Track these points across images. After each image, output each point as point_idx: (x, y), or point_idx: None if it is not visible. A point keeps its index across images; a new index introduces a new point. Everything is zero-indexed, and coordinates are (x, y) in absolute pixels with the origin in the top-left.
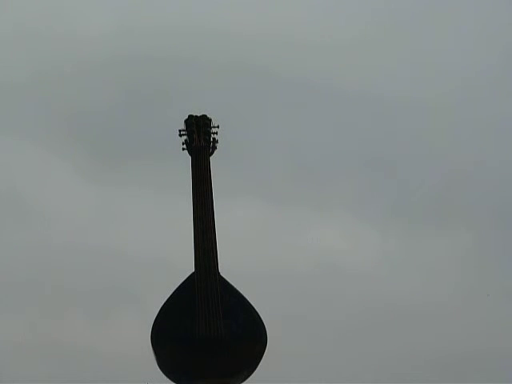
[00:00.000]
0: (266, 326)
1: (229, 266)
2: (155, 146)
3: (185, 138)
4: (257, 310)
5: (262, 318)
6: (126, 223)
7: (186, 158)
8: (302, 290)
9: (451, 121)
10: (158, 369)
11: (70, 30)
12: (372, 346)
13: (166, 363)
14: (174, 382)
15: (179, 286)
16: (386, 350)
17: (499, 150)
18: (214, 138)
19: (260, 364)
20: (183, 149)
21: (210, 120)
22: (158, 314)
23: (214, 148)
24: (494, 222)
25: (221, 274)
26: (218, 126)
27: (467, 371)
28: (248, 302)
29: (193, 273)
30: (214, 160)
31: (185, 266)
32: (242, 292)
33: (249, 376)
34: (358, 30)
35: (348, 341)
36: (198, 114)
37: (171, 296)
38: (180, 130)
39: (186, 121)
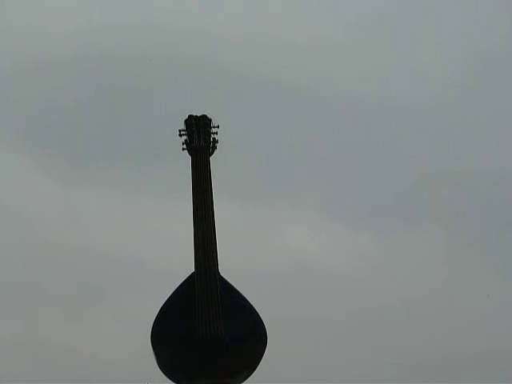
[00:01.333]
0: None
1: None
2: (127, 148)
3: (185, 138)
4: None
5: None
6: (99, 224)
7: (187, 158)
8: (279, 291)
9: (424, 122)
10: (158, 368)
11: (39, 26)
12: (352, 345)
13: (165, 363)
14: (174, 382)
15: (179, 286)
16: (366, 349)
17: (470, 151)
18: (214, 138)
19: (260, 364)
20: (183, 149)
21: (210, 120)
22: (158, 314)
23: (214, 148)
24: (466, 220)
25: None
26: (218, 126)
27: (450, 371)
28: (248, 302)
29: (193, 273)
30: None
31: (159, 266)
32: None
33: (249, 376)
34: (335, 32)
35: (328, 341)
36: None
37: (171, 296)
38: (180, 130)
39: (186, 121)
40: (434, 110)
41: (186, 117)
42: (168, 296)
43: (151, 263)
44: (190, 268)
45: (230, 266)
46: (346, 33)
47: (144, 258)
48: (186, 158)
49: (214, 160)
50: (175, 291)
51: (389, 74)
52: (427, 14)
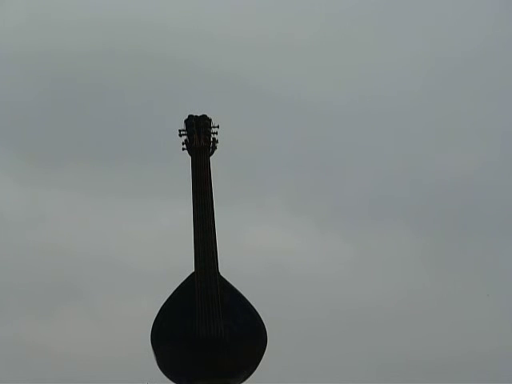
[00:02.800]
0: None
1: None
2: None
3: (185, 138)
4: None
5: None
6: (65, 223)
7: (187, 158)
8: (250, 292)
9: (388, 124)
10: (158, 368)
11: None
12: (324, 346)
13: (165, 363)
14: (174, 381)
15: (179, 286)
16: (336, 350)
17: (434, 153)
18: (214, 138)
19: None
20: (183, 149)
21: (210, 120)
22: (158, 314)
23: (214, 148)
24: (432, 220)
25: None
26: (218, 126)
27: (427, 371)
28: (248, 301)
29: (193, 273)
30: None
31: (130, 264)
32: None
33: (249, 376)
34: (295, 32)
35: (301, 342)
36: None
37: (171, 296)
38: (180, 130)
39: (185, 121)
40: (397, 112)
41: (186, 117)
42: (154, 295)
43: (122, 262)
44: (165, 267)
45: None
46: (313, 33)
47: (115, 257)
48: (186, 158)
49: (214, 160)
50: (175, 291)
51: (354, 76)
52: (390, 17)
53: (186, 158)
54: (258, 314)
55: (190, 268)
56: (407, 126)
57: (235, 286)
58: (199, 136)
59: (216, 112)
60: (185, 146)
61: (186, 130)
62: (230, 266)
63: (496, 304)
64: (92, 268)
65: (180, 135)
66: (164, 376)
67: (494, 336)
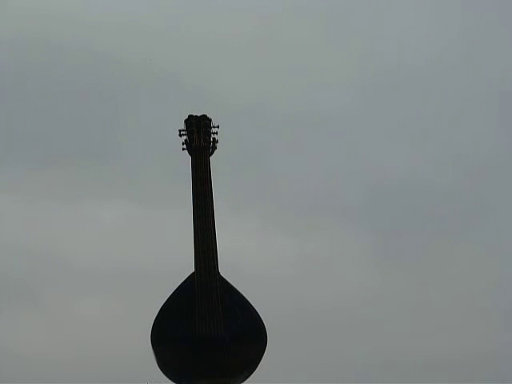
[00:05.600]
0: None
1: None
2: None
3: (185, 138)
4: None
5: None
6: (16, 222)
7: (187, 158)
8: None
9: (336, 124)
10: (158, 368)
11: None
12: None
13: (165, 363)
14: (174, 381)
15: (179, 286)
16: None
17: (378, 151)
18: (214, 138)
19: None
20: (183, 149)
21: (210, 120)
22: (158, 314)
23: (214, 148)
24: (376, 218)
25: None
26: (218, 126)
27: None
28: (248, 302)
29: (193, 273)
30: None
31: (79, 263)
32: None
33: (249, 376)
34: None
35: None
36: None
37: (171, 296)
38: (180, 130)
39: (185, 121)
40: (342, 113)
41: (186, 117)
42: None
43: (71, 262)
44: (114, 267)
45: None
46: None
47: (64, 256)
48: (186, 158)
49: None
50: (175, 291)
51: (299, 79)
52: (334, 21)
53: (187, 158)
54: (258, 314)
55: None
56: (352, 126)
57: None
58: (199, 136)
59: (216, 112)
60: (185, 146)
61: (186, 130)
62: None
63: (447, 299)
64: (41, 267)
65: (180, 135)
66: (164, 376)
67: (452, 332)
